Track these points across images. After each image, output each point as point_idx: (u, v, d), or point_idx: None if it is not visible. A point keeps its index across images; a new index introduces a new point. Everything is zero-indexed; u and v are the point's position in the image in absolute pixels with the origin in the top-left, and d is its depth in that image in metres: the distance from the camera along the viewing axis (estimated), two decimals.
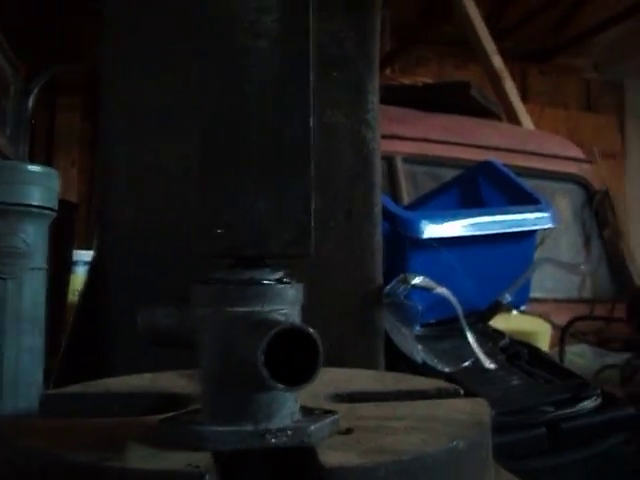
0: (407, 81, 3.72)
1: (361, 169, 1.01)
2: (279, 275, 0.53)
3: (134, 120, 1.01)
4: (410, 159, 2.42)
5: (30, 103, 5.14)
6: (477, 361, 1.17)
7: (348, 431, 0.55)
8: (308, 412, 0.55)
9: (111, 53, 1.03)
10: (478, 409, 0.64)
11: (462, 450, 0.53)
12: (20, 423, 0.64)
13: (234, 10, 0.52)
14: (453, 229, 1.24)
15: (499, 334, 1.31)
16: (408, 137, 2.45)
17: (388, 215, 1.15)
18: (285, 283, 0.53)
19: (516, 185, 1.49)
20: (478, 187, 1.57)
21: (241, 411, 0.51)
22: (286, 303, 0.52)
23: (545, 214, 1.38)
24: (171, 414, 0.56)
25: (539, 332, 1.72)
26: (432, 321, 1.24)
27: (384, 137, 2.11)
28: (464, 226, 1.26)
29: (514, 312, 1.64)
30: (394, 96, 2.58)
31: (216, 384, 0.52)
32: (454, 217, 1.26)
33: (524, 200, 1.42)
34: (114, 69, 1.02)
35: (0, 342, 0.84)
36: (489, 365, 1.17)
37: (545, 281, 2.19)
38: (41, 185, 0.87)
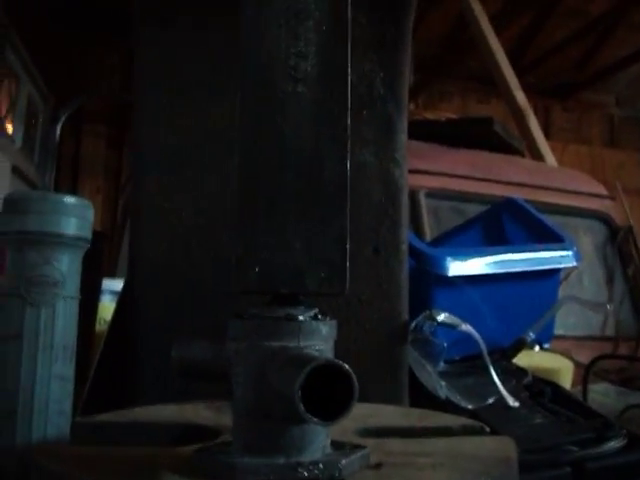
0: (431, 116, 3.76)
1: (389, 206, 1.03)
2: (313, 312, 0.54)
3: (167, 154, 1.03)
4: (433, 194, 2.42)
5: (57, 131, 5.23)
6: (500, 398, 1.17)
7: (377, 466, 0.56)
8: (338, 446, 0.56)
9: (144, 87, 1.05)
10: (504, 447, 0.64)
11: None
12: (51, 449, 0.65)
13: (275, 55, 0.54)
14: (478, 267, 1.25)
15: (522, 372, 1.31)
16: (431, 172, 2.46)
17: (414, 252, 1.16)
18: (319, 320, 0.54)
19: (540, 223, 1.49)
20: (502, 224, 1.58)
21: (274, 444, 0.52)
22: (320, 339, 0.53)
23: (569, 252, 1.39)
24: (203, 445, 0.57)
25: (562, 370, 1.71)
26: (456, 357, 1.24)
27: (409, 171, 2.12)
28: (489, 264, 1.26)
29: (537, 349, 1.63)
30: (418, 131, 2.60)
31: (249, 416, 0.53)
32: (479, 254, 1.27)
33: (548, 238, 1.43)
34: (147, 103, 1.05)
35: (32, 369, 0.86)
36: (513, 403, 1.17)
37: (568, 318, 2.18)
38: (76, 216, 0.89)
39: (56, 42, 4.94)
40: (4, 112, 4.30)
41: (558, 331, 1.73)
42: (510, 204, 1.60)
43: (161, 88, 1.04)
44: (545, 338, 1.45)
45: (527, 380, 1.28)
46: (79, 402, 1.08)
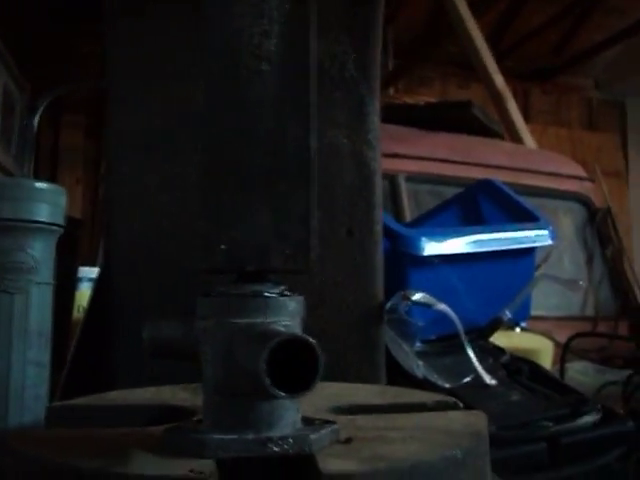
0: (410, 100, 3.76)
1: (362, 188, 1.03)
2: (280, 289, 0.55)
3: (139, 138, 1.03)
4: (413, 178, 2.44)
5: (35, 122, 5.19)
6: (478, 377, 1.18)
7: (347, 440, 0.56)
8: (309, 422, 0.57)
9: (115, 72, 1.05)
10: (476, 420, 0.65)
11: (459, 459, 0.54)
12: (25, 434, 0.65)
13: (239, 34, 0.55)
14: (453, 246, 1.26)
15: (500, 350, 1.32)
16: (411, 156, 2.47)
17: (389, 233, 1.17)
18: (286, 296, 0.54)
19: (515, 203, 1.51)
20: (478, 205, 1.59)
21: (243, 420, 0.52)
22: (287, 315, 0.53)
23: (544, 231, 1.40)
24: (175, 424, 0.57)
25: (541, 350, 1.72)
26: (433, 337, 1.25)
27: (387, 156, 2.13)
28: (464, 243, 1.27)
29: (517, 330, 1.65)
30: (397, 115, 2.61)
31: (218, 393, 0.53)
32: (454, 234, 1.28)
33: (523, 218, 1.44)
34: (119, 87, 1.04)
35: (7, 356, 0.86)
36: (490, 381, 1.18)
37: (548, 299, 2.20)
38: (48, 202, 0.89)
39: (32, 30, 4.88)
40: None
41: (538, 312, 1.75)
42: (486, 185, 1.61)
43: (131, 73, 1.04)
44: (522, 317, 1.46)
45: (504, 359, 1.30)
46: (57, 388, 1.08)
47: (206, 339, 0.54)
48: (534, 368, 1.30)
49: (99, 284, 1.09)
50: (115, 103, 1.05)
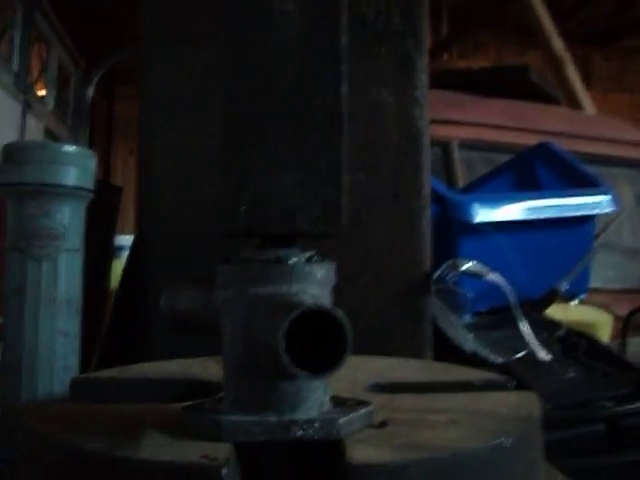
0: (464, 65, 3.64)
1: (409, 149, 0.97)
2: (308, 254, 0.49)
3: (171, 104, 0.98)
4: (466, 145, 2.36)
5: (90, 93, 5.22)
6: (531, 352, 1.11)
7: (382, 424, 0.51)
8: (340, 403, 0.51)
9: (149, 35, 1.00)
10: (528, 403, 0.59)
11: (507, 448, 0.48)
12: (41, 408, 0.62)
13: None
14: (507, 213, 1.18)
15: (555, 324, 1.25)
16: (464, 122, 2.40)
17: (438, 198, 1.10)
18: (314, 262, 0.49)
19: (575, 168, 1.41)
20: (534, 171, 1.50)
21: (265, 400, 0.47)
22: (315, 283, 0.48)
23: (605, 198, 1.31)
24: (194, 402, 0.52)
25: (599, 323, 1.64)
26: (483, 310, 1.19)
27: (440, 122, 2.05)
28: (518, 210, 1.20)
29: (573, 302, 1.57)
30: (450, 80, 2.52)
31: (239, 371, 0.48)
32: (508, 200, 1.20)
33: (583, 184, 1.35)
34: (152, 51, 1.00)
35: (35, 325, 0.83)
36: (544, 356, 1.11)
37: (606, 271, 2.11)
38: (76, 165, 0.85)
39: (84, 3, 4.89)
40: (36, 75, 4.30)
41: (595, 284, 1.66)
42: (543, 149, 1.52)
43: (166, 34, 0.99)
44: (580, 289, 1.38)
45: (560, 333, 1.22)
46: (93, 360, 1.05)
47: (225, 311, 0.48)
48: (592, 343, 1.23)
49: (133, 253, 1.05)
50: (148, 69, 1.00)
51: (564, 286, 1.20)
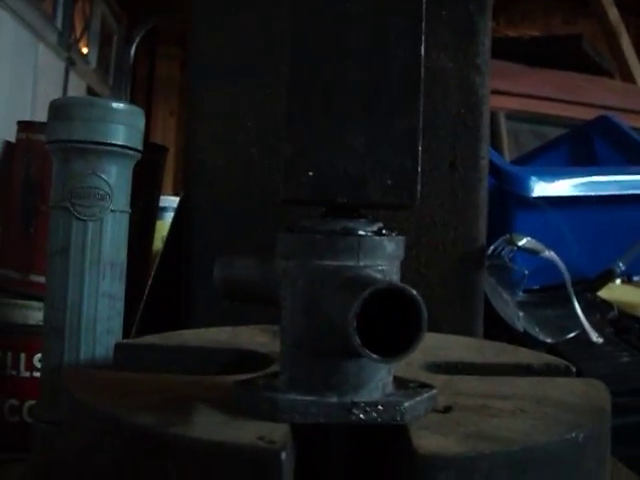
0: (512, 33, 3.55)
1: (468, 118, 0.92)
2: (377, 226, 0.46)
3: (224, 60, 0.95)
4: (513, 116, 2.31)
5: (132, 52, 5.21)
6: (583, 333, 1.07)
7: (446, 410, 0.48)
8: (402, 384, 0.48)
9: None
10: (597, 394, 0.55)
11: (581, 443, 0.45)
12: (85, 374, 0.60)
13: None
14: (565, 188, 1.13)
15: (608, 305, 1.20)
16: (512, 93, 2.34)
17: (495, 170, 1.06)
18: (383, 235, 0.45)
19: (636, 143, 1.35)
20: (592, 145, 1.45)
21: (325, 380, 0.44)
22: (384, 258, 0.44)
23: None
24: (247, 376, 0.50)
25: None
26: (535, 287, 1.15)
27: (492, 93, 1.99)
28: (577, 185, 1.15)
29: (617, 281, 1.52)
30: (499, 49, 2.45)
31: (298, 347, 0.45)
32: (566, 175, 1.15)
33: None
34: (201, 15, 0.96)
35: (79, 287, 0.81)
36: (596, 338, 1.07)
37: None
38: (125, 123, 0.82)
39: None
40: (79, 33, 4.28)
41: None
42: (603, 122, 1.46)
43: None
44: (635, 270, 1.33)
45: (613, 315, 1.18)
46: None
47: (286, 283, 0.45)
48: None
49: (178, 216, 1.03)
50: (198, 29, 0.96)
51: (621, 267, 1.15)
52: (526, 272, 1.01)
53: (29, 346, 1.08)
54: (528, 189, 1.09)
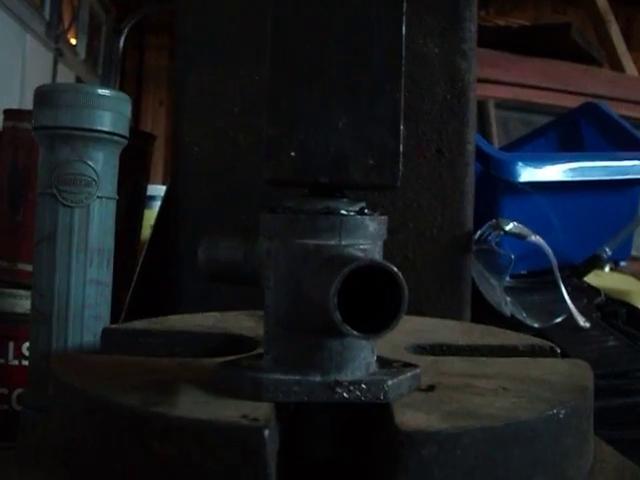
0: (502, 22, 3.54)
1: (455, 103, 0.92)
2: (359, 206, 0.46)
3: (208, 48, 0.95)
4: (503, 104, 2.31)
5: (121, 43, 5.18)
6: (570, 318, 1.08)
7: (430, 388, 0.48)
8: (385, 364, 0.48)
9: None
10: (580, 372, 0.56)
11: (562, 419, 0.45)
12: (73, 359, 0.60)
13: None
14: (551, 174, 1.14)
15: (595, 291, 1.21)
16: (501, 81, 2.34)
17: (481, 155, 1.06)
18: (366, 214, 0.46)
19: (624, 130, 1.36)
20: (580, 132, 1.45)
21: (308, 358, 0.44)
22: (366, 237, 0.45)
23: None
24: (231, 358, 0.50)
25: (633, 292, 1.60)
26: (522, 272, 1.15)
27: (481, 81, 1.99)
28: (563, 171, 1.15)
29: (606, 269, 1.53)
30: (487, 38, 2.45)
31: (281, 327, 0.45)
32: (553, 161, 1.15)
33: (632, 147, 1.30)
34: None
35: (66, 273, 0.81)
36: (583, 323, 1.08)
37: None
38: (111, 110, 0.82)
39: None
40: (67, 24, 4.26)
41: (633, 253, 1.61)
42: (590, 109, 1.46)
43: None
44: (622, 256, 1.33)
45: (599, 300, 1.19)
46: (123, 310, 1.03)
47: (269, 263, 0.46)
48: (632, 311, 1.19)
49: (166, 203, 1.03)
50: (183, 14, 0.96)
51: (607, 252, 1.16)
52: (513, 257, 1.02)
53: (17, 334, 1.08)
54: (515, 174, 1.09)
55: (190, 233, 0.92)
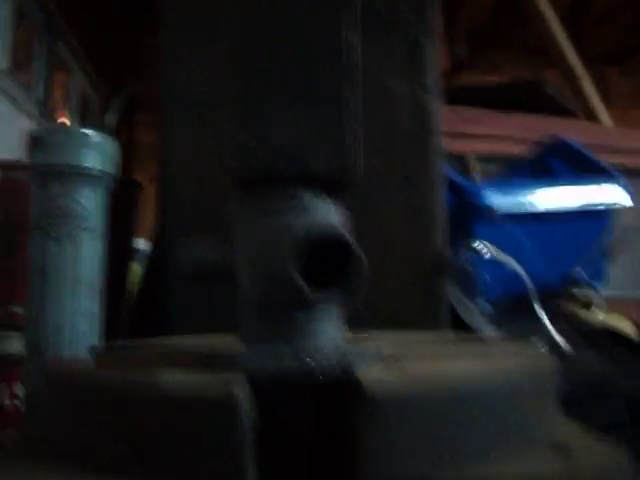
0: (479, 82, 3.66)
1: (419, 133, 0.98)
2: (322, 197, 0.50)
3: (190, 94, 1.00)
4: (483, 158, 2.38)
5: (111, 120, 5.29)
6: (552, 343, 1.11)
7: (393, 357, 0.52)
8: (353, 339, 0.52)
9: (167, 34, 1.02)
10: (536, 348, 0.60)
11: (515, 382, 0.49)
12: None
13: None
14: (522, 201, 1.18)
15: (573, 316, 1.25)
16: (482, 135, 2.41)
17: (454, 187, 1.11)
18: (328, 202, 0.50)
19: (589, 159, 1.42)
20: (549, 168, 1.51)
21: (279, 332, 0.48)
22: (329, 219, 0.49)
23: (620, 188, 1.31)
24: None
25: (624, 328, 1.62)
26: (500, 298, 1.19)
27: (456, 136, 2.06)
28: (534, 198, 1.20)
29: (595, 309, 1.56)
30: (468, 96, 2.54)
31: (252, 305, 0.49)
32: (523, 188, 1.21)
33: (598, 174, 1.35)
34: (170, 45, 1.02)
35: (58, 306, 0.84)
36: (563, 345, 1.10)
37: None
38: (99, 150, 0.88)
39: (104, 28, 4.98)
40: (59, 103, 4.37)
41: (618, 292, 1.64)
42: (556, 143, 1.53)
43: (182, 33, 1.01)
44: (596, 279, 1.37)
45: (580, 324, 1.22)
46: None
47: (240, 248, 0.50)
48: (612, 333, 1.23)
49: (156, 246, 1.07)
50: (167, 62, 1.02)
51: (578, 272, 1.20)
52: (487, 277, 1.05)
53: (10, 376, 1.11)
54: (486, 201, 1.14)
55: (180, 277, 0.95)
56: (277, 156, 0.50)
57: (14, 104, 3.27)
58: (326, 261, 0.45)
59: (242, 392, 0.42)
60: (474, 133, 2.38)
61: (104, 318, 0.89)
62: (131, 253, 1.22)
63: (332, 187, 0.49)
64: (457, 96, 2.41)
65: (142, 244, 1.60)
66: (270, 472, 0.43)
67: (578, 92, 3.41)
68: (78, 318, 0.85)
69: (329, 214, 0.49)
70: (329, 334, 0.49)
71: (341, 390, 0.48)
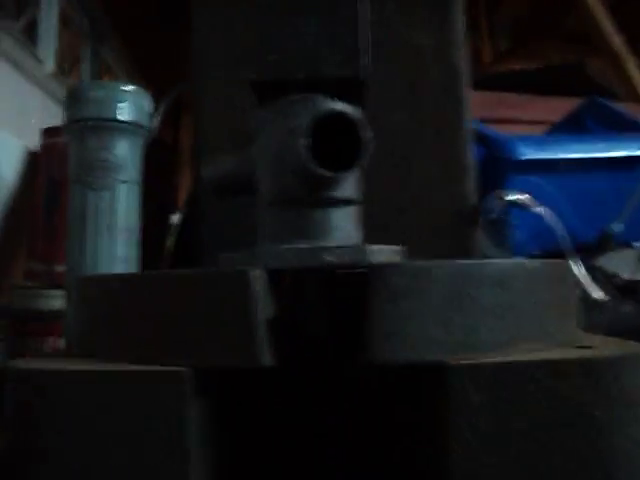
0: (517, 67, 3.63)
1: (448, 87, 0.99)
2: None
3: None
4: None
5: (156, 124, 5.37)
6: (585, 293, 1.10)
7: (411, 257, 0.53)
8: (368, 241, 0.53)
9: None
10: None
11: (533, 270, 0.50)
12: None
13: None
14: (554, 151, 1.17)
15: (611, 271, 1.23)
16: (520, 120, 2.40)
17: (484, 139, 1.11)
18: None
19: (625, 118, 1.40)
20: (585, 126, 1.49)
21: (296, 229, 0.50)
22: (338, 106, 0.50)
23: None
24: None
25: None
26: (536, 253, 1.18)
27: (499, 121, 2.06)
28: (566, 148, 1.19)
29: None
30: (507, 82, 2.53)
31: (271, 203, 0.51)
32: (555, 140, 1.20)
33: (635, 132, 1.33)
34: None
35: (94, 252, 0.87)
36: (600, 296, 1.09)
37: None
38: (132, 103, 0.90)
39: (150, 31, 5.07)
40: None
41: None
42: (593, 104, 1.51)
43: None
44: (634, 237, 1.35)
45: (616, 279, 1.21)
46: None
47: (257, 151, 0.52)
48: None
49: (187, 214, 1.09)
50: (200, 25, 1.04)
51: (617, 228, 1.18)
52: (520, 230, 1.05)
53: (54, 331, 1.15)
54: (518, 152, 1.13)
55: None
56: (290, 60, 0.51)
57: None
58: (339, 153, 0.46)
59: (256, 274, 0.44)
60: (518, 118, 2.37)
61: (142, 264, 0.91)
62: (170, 205, 1.25)
63: (343, 89, 0.51)
64: (499, 82, 2.40)
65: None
66: (287, 349, 0.45)
67: (622, 75, 3.35)
68: (116, 264, 0.88)
69: (339, 104, 0.50)
70: (346, 233, 0.51)
71: (359, 279, 0.49)
